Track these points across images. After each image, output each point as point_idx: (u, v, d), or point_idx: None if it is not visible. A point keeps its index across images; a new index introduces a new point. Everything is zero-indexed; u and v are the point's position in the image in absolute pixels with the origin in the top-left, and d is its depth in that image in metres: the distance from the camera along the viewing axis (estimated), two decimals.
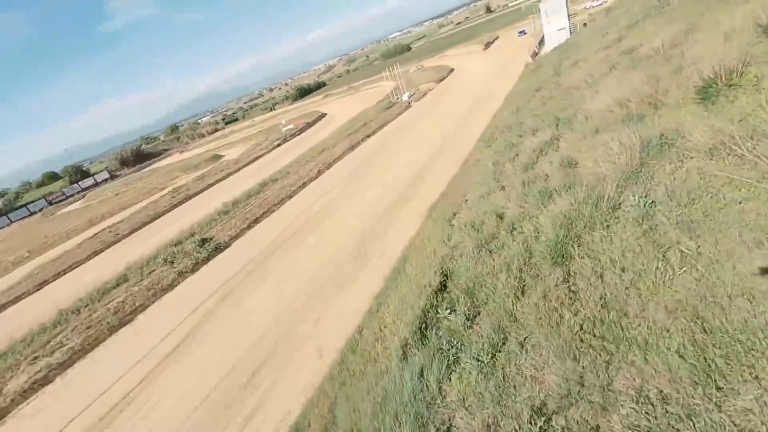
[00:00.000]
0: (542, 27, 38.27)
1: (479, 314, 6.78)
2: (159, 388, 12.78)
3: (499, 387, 5.23)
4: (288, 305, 14.58)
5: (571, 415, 4.40)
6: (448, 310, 7.23)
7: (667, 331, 4.59)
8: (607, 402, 4.34)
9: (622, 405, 4.21)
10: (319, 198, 26.12)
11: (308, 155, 38.79)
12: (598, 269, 5.90)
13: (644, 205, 6.30)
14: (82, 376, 14.94)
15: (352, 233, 18.47)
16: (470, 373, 5.66)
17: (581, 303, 5.60)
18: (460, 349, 6.27)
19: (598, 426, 4.21)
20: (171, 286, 19.79)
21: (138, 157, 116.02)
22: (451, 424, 5.20)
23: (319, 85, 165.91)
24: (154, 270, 21.69)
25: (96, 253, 30.86)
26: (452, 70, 63.36)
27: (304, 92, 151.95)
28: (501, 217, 9.53)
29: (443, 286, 8.28)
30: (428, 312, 7.67)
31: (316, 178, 30.89)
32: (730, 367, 3.94)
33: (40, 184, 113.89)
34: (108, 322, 17.58)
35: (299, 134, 59.22)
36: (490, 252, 8.16)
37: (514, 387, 5.13)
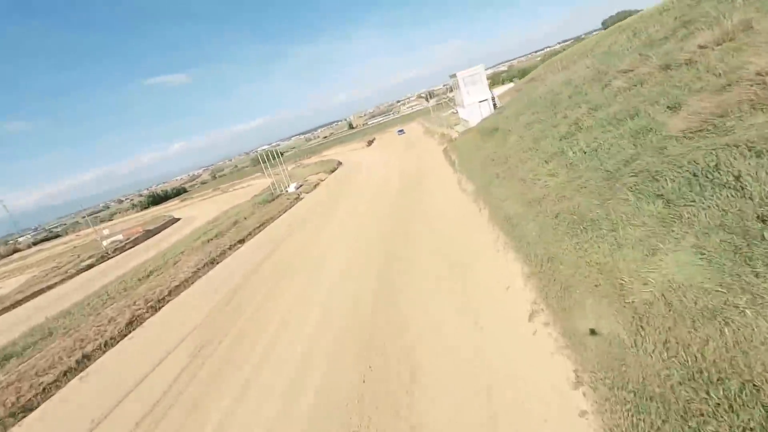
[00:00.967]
0: (460, 100, 31.92)
1: None
2: None
3: None
4: None
5: None
6: None
7: None
8: None
9: None
10: None
11: (122, 286, 20.72)
12: None
13: None
14: None
15: None
16: None
17: None
18: None
19: None
20: None
21: None
22: None
23: (179, 191, 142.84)
24: None
25: None
26: (340, 163, 54.45)
27: (158, 199, 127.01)
28: None
29: None
30: None
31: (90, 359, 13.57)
32: None
33: None
34: None
35: (132, 247, 39.23)
36: None
37: None
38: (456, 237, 12.44)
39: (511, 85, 42.51)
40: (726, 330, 3.95)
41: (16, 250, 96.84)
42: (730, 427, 3.38)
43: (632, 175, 7.02)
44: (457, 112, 68.86)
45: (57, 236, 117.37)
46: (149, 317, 14.98)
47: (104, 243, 41.44)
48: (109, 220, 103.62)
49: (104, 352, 13.13)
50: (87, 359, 12.80)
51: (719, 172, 5.48)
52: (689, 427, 3.60)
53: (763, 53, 7.08)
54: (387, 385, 6.97)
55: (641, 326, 4.77)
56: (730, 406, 3.48)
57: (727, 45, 8.31)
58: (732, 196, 5.08)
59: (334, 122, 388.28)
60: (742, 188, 5.03)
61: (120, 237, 42.68)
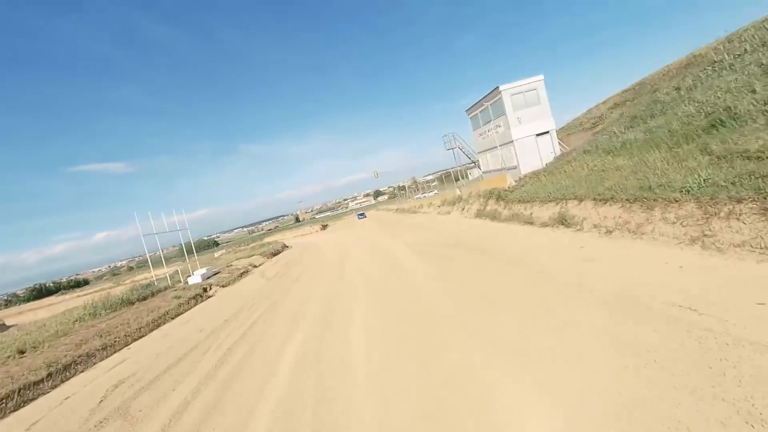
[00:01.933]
0: (500, 133, 21.31)
1: None
2: None
3: None
4: None
5: None
6: None
7: None
8: None
9: None
10: None
11: None
12: None
13: None
14: None
15: None
16: None
17: None
18: None
19: None
20: None
21: None
22: None
23: (77, 284, 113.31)
24: None
25: None
26: (287, 246, 39.64)
27: (44, 293, 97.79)
28: None
29: None
30: None
31: None
32: None
33: None
34: None
35: None
36: None
37: None
38: None
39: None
40: None
41: None
42: None
43: None
44: (424, 197, 59.79)
45: None
46: None
47: None
48: None
49: None
50: None
51: None
52: None
53: None
54: None
55: None
56: None
57: None
58: None
59: (280, 216, 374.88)
60: None
61: None
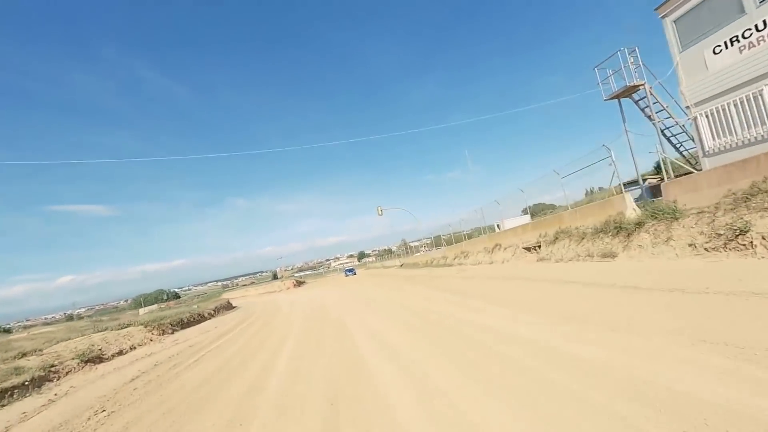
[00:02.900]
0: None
1: None
2: None
3: None
4: None
5: None
6: None
7: None
8: None
9: None
10: None
11: None
12: None
13: None
14: None
15: None
16: None
17: None
18: None
19: None
20: None
21: None
22: None
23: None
24: None
25: None
26: (231, 307, 32.28)
27: None
28: None
29: None
30: None
31: None
32: None
33: None
34: None
35: None
36: None
37: None
38: None
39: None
40: None
41: None
42: None
43: None
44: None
45: None
46: None
47: None
48: None
49: None
50: None
51: None
52: None
53: None
54: None
55: None
56: None
57: None
58: None
59: (258, 272, 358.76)
60: None
61: None
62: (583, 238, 15.67)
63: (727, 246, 9.34)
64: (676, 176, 14.78)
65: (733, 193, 10.44)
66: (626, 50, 15.74)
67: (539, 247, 19.08)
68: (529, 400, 4.00)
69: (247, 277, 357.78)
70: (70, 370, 11.98)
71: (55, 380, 11.07)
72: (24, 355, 12.66)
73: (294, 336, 11.99)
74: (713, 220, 10.16)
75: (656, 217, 12.30)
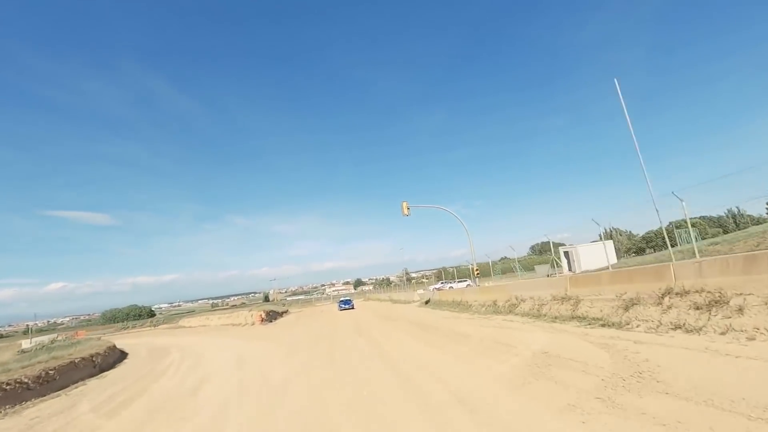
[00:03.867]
0: None
1: None
2: None
3: None
4: None
5: None
6: None
7: None
8: None
9: None
10: None
11: None
12: None
13: None
14: None
15: None
16: None
17: None
18: None
19: None
20: None
21: None
22: None
23: None
24: None
25: None
26: (120, 351, 23.65)
27: None
28: None
29: None
30: None
31: None
32: None
33: None
34: None
35: None
36: None
37: None
38: None
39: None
40: None
41: None
42: None
43: None
44: (468, 285, 41.12)
45: None
46: None
47: None
48: None
49: None
50: None
51: None
52: None
53: None
54: None
55: None
56: None
57: None
58: None
59: (251, 293, 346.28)
60: None
61: None
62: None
63: None
64: None
65: None
66: None
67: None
68: None
69: (240, 296, 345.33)
70: None
71: None
72: None
73: None
74: None
75: None
